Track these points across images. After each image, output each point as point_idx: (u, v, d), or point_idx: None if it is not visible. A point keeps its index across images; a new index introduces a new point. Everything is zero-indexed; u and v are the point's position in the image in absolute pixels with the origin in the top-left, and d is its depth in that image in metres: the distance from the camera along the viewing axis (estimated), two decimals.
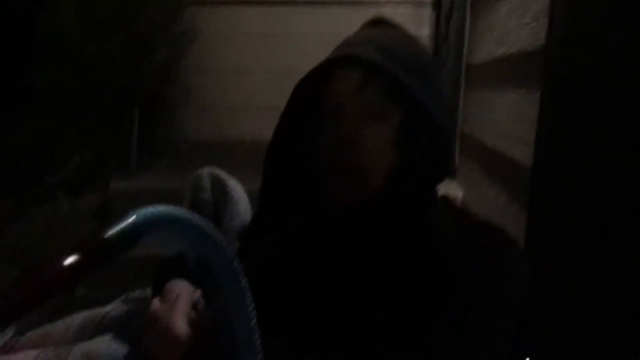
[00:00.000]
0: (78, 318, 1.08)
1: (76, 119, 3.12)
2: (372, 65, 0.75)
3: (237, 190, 1.20)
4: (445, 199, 0.87)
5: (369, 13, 0.94)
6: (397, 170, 0.78)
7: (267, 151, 0.87)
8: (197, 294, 0.98)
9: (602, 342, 0.94)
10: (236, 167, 1.53)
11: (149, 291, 1.16)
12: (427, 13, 3.48)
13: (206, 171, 1.21)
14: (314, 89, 0.80)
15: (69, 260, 0.25)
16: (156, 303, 0.94)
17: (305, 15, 3.73)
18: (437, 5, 3.19)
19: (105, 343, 0.99)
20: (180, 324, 0.85)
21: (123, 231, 0.27)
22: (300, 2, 3.74)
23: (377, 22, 0.88)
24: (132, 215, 0.28)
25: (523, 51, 1.42)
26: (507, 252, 0.79)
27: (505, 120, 1.63)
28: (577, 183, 1.02)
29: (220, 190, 1.18)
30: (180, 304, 0.89)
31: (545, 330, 0.94)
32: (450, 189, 2.28)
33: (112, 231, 0.27)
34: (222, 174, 1.21)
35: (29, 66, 3.09)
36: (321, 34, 3.39)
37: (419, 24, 3.38)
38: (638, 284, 0.96)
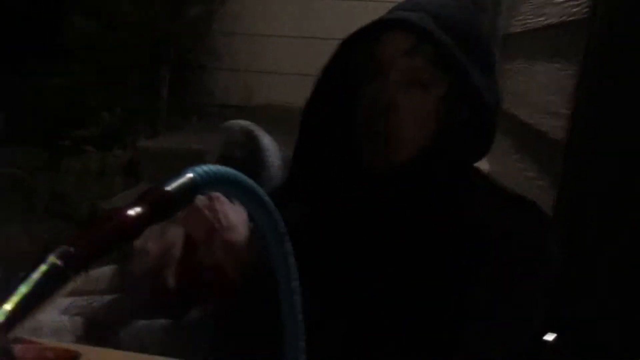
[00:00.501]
0: (108, 270, 1.11)
1: (108, 76, 3.15)
2: (424, 33, 0.72)
3: (271, 150, 1.14)
4: (478, 171, 0.86)
5: None
6: (436, 142, 0.76)
7: (305, 109, 0.84)
8: None
9: (631, 320, 0.93)
10: (264, 131, 1.53)
11: None
12: None
13: (239, 126, 1.14)
14: (359, 49, 0.77)
15: (135, 210, 0.25)
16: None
17: None
18: None
19: None
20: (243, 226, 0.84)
21: (183, 186, 0.27)
22: None
23: None
24: (189, 172, 0.28)
25: (564, 22, 1.38)
26: (540, 228, 0.78)
27: (539, 92, 1.60)
28: (612, 160, 1.00)
29: (252, 149, 1.12)
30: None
31: (573, 307, 0.94)
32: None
33: (171, 186, 0.27)
34: (256, 130, 1.14)
35: (62, 22, 3.11)
36: (358, 0, 3.32)
37: None
38: None
